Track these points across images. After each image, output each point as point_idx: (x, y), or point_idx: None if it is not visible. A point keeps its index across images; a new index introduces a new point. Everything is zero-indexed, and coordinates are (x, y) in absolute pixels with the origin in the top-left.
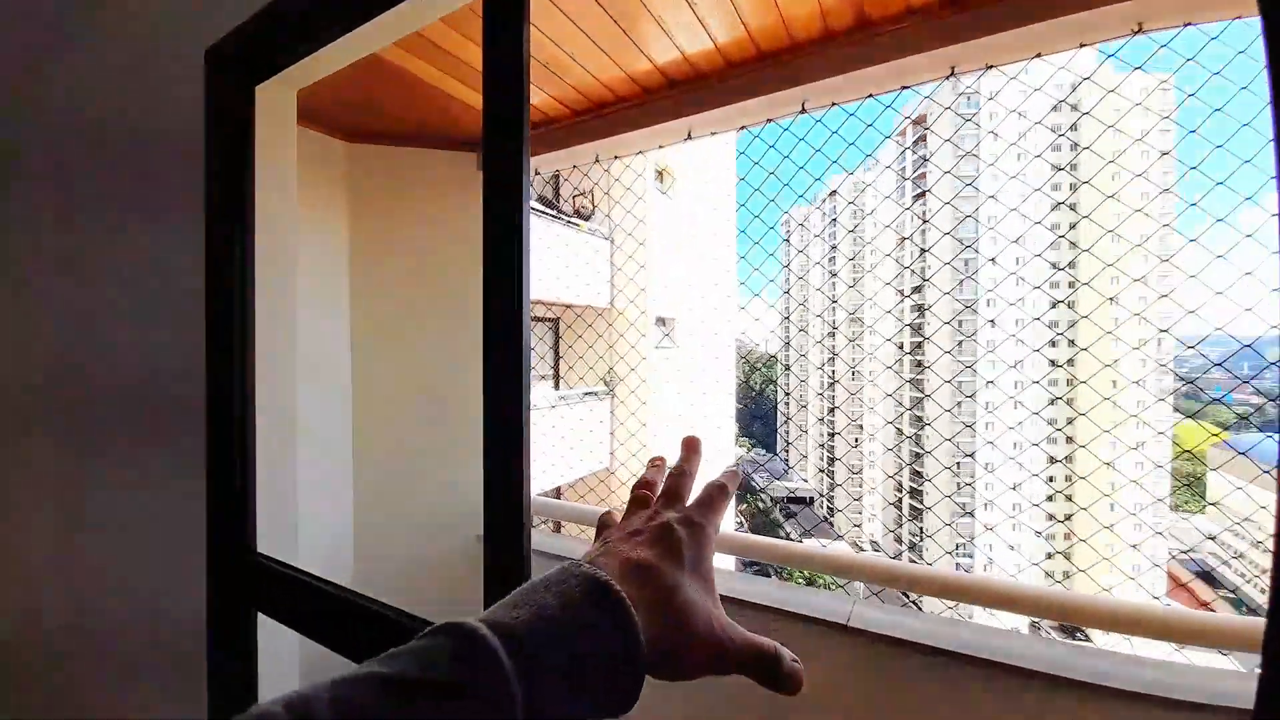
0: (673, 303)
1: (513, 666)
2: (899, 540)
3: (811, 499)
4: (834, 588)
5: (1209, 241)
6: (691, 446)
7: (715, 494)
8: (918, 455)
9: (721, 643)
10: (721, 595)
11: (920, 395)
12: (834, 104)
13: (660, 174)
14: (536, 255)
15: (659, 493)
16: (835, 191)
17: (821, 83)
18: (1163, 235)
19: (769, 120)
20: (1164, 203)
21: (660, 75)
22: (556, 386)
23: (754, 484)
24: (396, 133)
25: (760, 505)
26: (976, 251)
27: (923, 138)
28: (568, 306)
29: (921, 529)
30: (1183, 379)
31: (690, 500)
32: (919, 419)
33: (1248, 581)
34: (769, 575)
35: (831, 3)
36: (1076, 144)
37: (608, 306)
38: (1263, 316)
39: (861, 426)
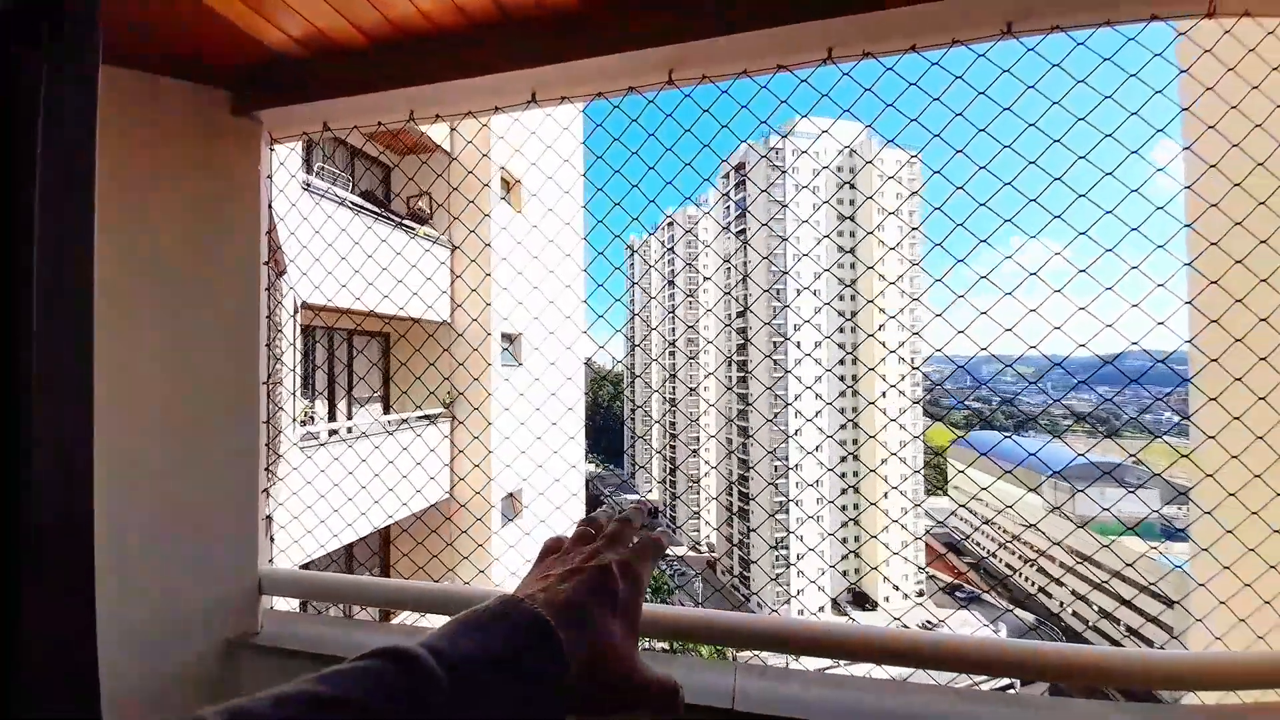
0: (519, 319)
1: (452, 695)
2: (729, 540)
3: (656, 509)
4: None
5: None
6: (643, 507)
7: (651, 547)
8: (744, 460)
9: (636, 685)
10: None
11: (745, 406)
12: (705, 77)
13: (507, 184)
14: (359, 259)
15: (603, 533)
16: (672, 221)
17: (692, 46)
18: (920, 256)
19: (630, 89)
20: (918, 239)
21: (497, 9)
22: (386, 410)
23: (603, 500)
24: (112, 48)
25: None
26: (784, 286)
27: (742, 182)
28: (399, 320)
29: (749, 527)
30: (932, 385)
31: (631, 547)
32: (744, 429)
33: (983, 549)
34: None
35: None
36: (854, 204)
37: (447, 321)
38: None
39: (699, 438)
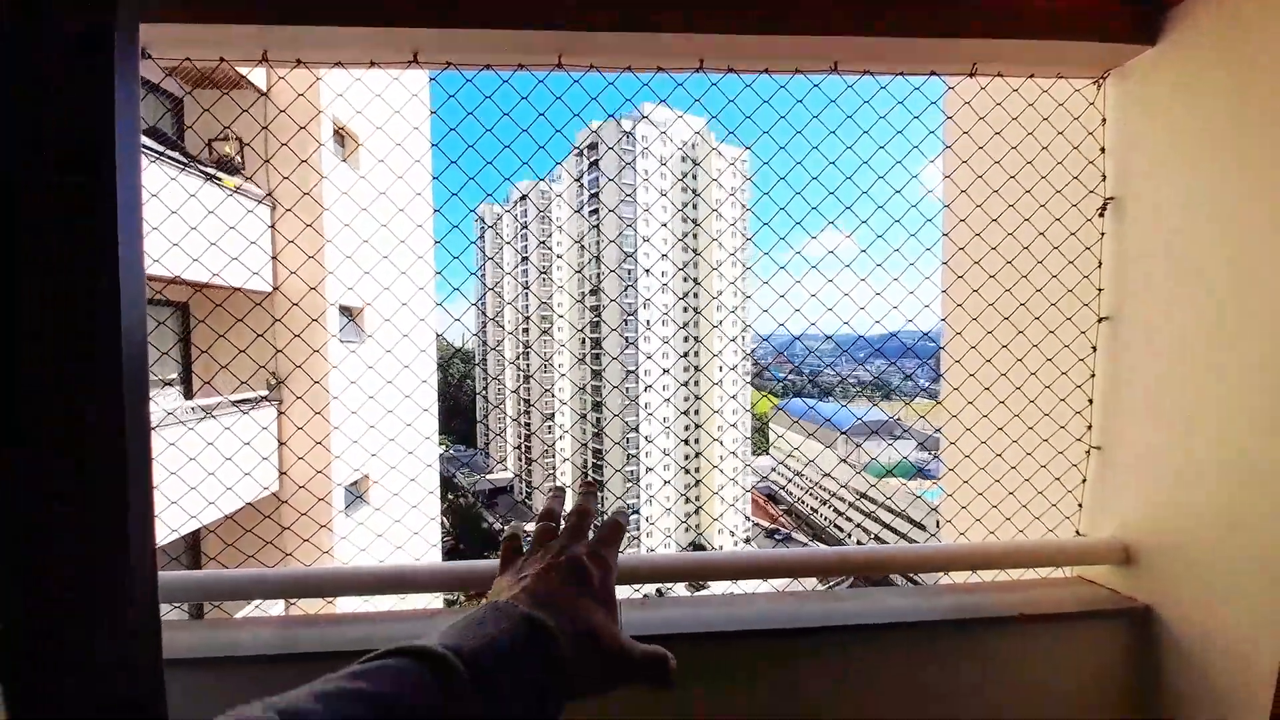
0: (360, 289)
1: (475, 691)
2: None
3: (511, 486)
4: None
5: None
6: (590, 488)
7: (614, 530)
8: (598, 434)
9: (626, 659)
10: (641, 635)
11: (598, 382)
12: (593, 66)
13: (341, 136)
14: (148, 212)
15: (564, 528)
16: (525, 196)
17: (582, 36)
18: (745, 250)
19: (521, 66)
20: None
21: None
22: (189, 395)
23: (456, 482)
24: None
25: (462, 503)
26: (637, 260)
27: (595, 162)
28: (203, 287)
29: (603, 485)
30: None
31: (593, 535)
32: (598, 403)
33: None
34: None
35: None
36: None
37: (270, 289)
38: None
39: (554, 413)
